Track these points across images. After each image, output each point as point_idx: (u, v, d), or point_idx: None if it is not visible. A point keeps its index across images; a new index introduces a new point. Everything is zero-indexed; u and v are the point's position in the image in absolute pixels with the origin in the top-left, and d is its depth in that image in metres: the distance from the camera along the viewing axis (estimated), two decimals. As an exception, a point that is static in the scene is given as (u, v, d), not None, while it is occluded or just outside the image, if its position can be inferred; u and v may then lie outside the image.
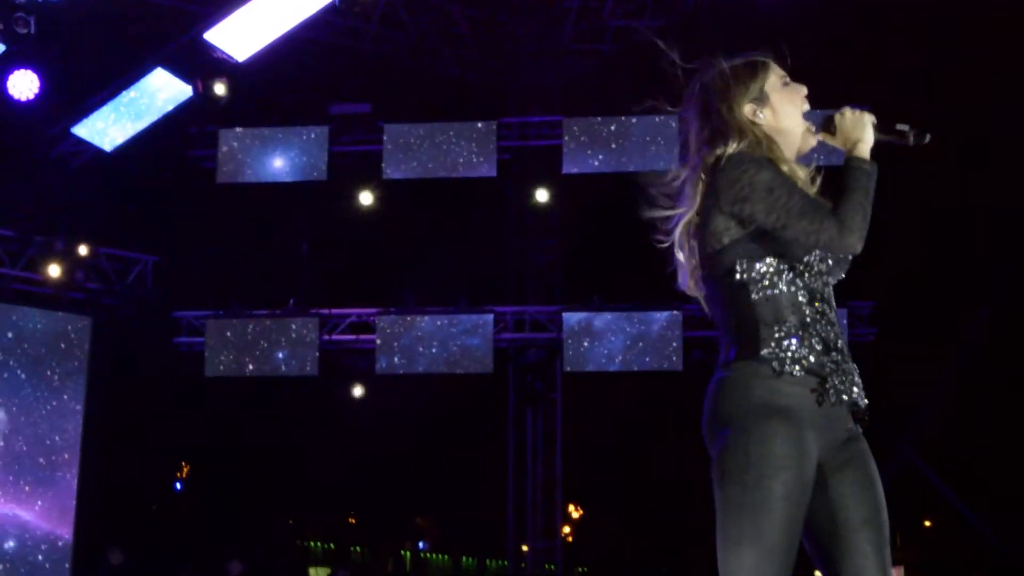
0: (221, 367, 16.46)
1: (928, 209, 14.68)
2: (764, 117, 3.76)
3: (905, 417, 16.04)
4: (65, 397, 15.86)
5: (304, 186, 16.51)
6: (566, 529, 23.38)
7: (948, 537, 20.02)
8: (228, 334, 16.49)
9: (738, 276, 3.62)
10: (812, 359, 3.55)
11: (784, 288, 3.60)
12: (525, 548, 17.21)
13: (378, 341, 16.40)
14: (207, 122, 15.96)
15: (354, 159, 16.45)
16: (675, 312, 15.87)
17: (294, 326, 16.48)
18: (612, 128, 15.96)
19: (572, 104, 16.45)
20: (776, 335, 3.56)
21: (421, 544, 28.15)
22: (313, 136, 16.22)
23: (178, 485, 20.26)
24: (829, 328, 3.62)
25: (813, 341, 3.57)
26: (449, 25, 16.36)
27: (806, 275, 3.62)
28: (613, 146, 15.95)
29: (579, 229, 16.70)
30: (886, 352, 15.29)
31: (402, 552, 27.30)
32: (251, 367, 16.46)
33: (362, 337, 16.60)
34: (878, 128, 3.69)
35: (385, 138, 16.13)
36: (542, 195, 16.52)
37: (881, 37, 14.08)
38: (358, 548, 26.80)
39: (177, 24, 14.67)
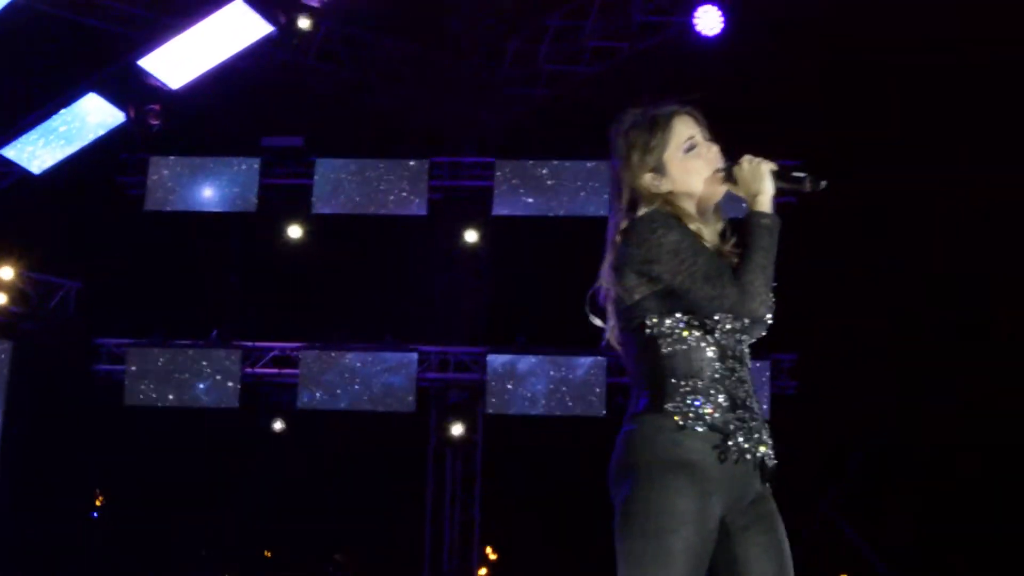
0: (141, 396, 16.10)
1: (851, 259, 14.67)
2: (663, 186, 3.77)
3: (825, 470, 16.00)
4: (-17, 423, 15.38)
5: (233, 217, 16.28)
6: (482, 572, 23.10)
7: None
8: (149, 363, 16.12)
9: (648, 331, 3.64)
10: (716, 415, 3.56)
11: (693, 344, 3.61)
12: (440, 590, 16.94)
13: (301, 376, 16.13)
14: (137, 149, 15.66)
15: (284, 192, 16.26)
16: (599, 358, 15.73)
17: (216, 357, 16.16)
18: (543, 171, 15.89)
19: (505, 146, 16.40)
20: (682, 390, 3.57)
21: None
22: (244, 167, 16.01)
23: (95, 515, 19.83)
24: (738, 386, 3.63)
25: (720, 398, 3.58)
26: (386, 62, 16.19)
27: (716, 332, 3.63)
28: (544, 190, 15.88)
29: (507, 271, 16.56)
30: (808, 405, 15.25)
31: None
32: (171, 397, 16.12)
33: (285, 371, 16.33)
34: (777, 176, 3.67)
35: (316, 172, 15.97)
36: (471, 236, 16.40)
37: (819, 76, 14.07)
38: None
39: (112, 49, 14.43)
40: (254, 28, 13.64)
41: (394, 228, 16.50)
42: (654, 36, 15.23)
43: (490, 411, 16.17)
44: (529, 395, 16.05)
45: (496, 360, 16.12)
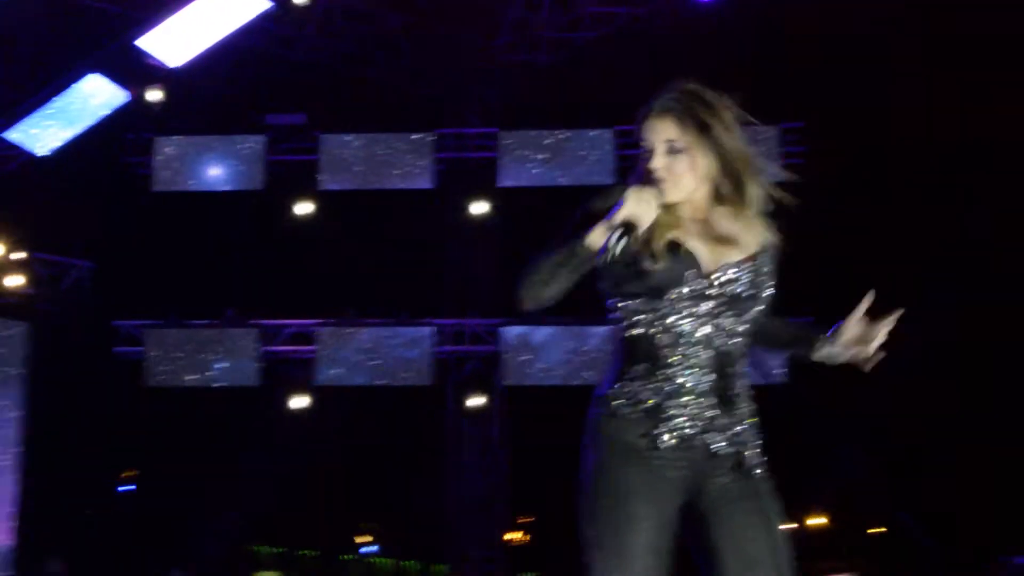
0: (161, 377, 15.42)
1: (867, 225, 13.74)
2: None
3: (853, 424, 15.14)
4: (2, 403, 14.85)
5: (241, 195, 15.53)
6: (516, 535, 22.43)
7: (896, 546, 19.13)
8: (167, 344, 15.42)
9: (615, 314, 3.44)
10: (651, 403, 3.33)
11: (644, 329, 3.37)
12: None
13: (318, 352, 15.41)
14: (143, 128, 14.89)
15: (291, 169, 15.46)
16: (614, 327, 14.71)
17: (233, 336, 15.47)
18: (547, 141, 15.11)
19: (509, 116, 15.56)
20: (625, 376, 3.39)
21: (363, 550, 27.16)
22: (249, 145, 15.23)
23: (120, 489, 19.16)
24: (690, 372, 3.35)
25: (662, 385, 3.34)
26: (386, 34, 15.32)
27: (672, 316, 3.36)
28: (548, 159, 15.08)
29: (518, 241, 15.62)
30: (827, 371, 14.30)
31: (344, 557, 26.36)
32: (190, 377, 15.42)
33: (302, 348, 15.60)
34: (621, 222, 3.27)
35: (321, 148, 15.18)
36: (480, 207, 15.56)
37: (815, 40, 13.14)
38: (306, 552, 25.82)
39: (112, 29, 13.50)
40: (252, 4, 12.61)
41: (402, 201, 15.77)
42: (651, 1, 14.41)
43: (507, 382, 15.47)
44: (544, 366, 15.33)
45: (510, 332, 15.40)
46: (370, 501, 22.18)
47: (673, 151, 3.41)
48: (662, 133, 3.43)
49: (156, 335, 15.40)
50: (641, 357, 3.37)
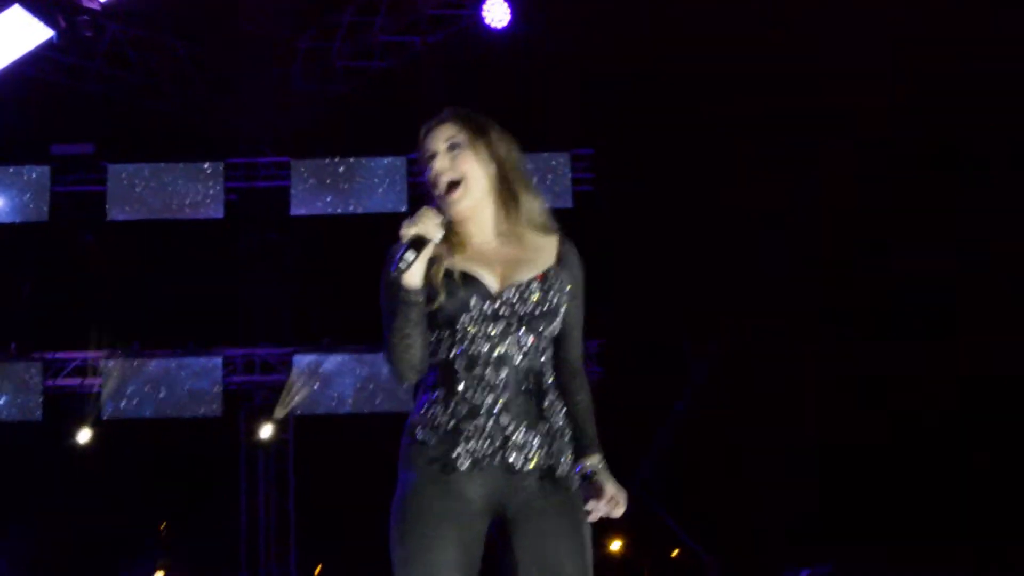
0: (-60, 413, 15.27)
1: (654, 244, 14.54)
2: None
3: (634, 454, 15.83)
4: None
5: (25, 227, 15.52)
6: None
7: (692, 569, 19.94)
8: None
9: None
10: (450, 426, 3.52)
11: (444, 356, 3.57)
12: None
13: (104, 385, 15.49)
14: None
15: (77, 200, 15.56)
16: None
17: (16, 371, 15.45)
18: (340, 170, 15.47)
19: (301, 145, 15.90)
20: (427, 402, 3.57)
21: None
22: (34, 176, 15.27)
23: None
24: (486, 392, 3.53)
25: (458, 408, 3.52)
26: (176, 64, 15.56)
27: (465, 341, 3.55)
28: (342, 187, 15.45)
29: (309, 271, 16.07)
30: (614, 390, 15.07)
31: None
32: (-28, 412, 15.31)
33: (88, 381, 15.64)
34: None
35: (108, 178, 15.30)
36: (271, 236, 15.91)
37: (606, 65, 13.91)
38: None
39: None
40: (34, 33, 12.85)
41: (192, 232, 15.90)
42: (444, 29, 15.00)
43: (298, 412, 15.71)
44: (336, 394, 15.67)
45: (302, 360, 15.69)
46: (161, 538, 22.10)
47: (454, 147, 3.64)
48: (442, 135, 3.66)
49: (-65, 370, 15.26)
50: (440, 382, 3.54)
